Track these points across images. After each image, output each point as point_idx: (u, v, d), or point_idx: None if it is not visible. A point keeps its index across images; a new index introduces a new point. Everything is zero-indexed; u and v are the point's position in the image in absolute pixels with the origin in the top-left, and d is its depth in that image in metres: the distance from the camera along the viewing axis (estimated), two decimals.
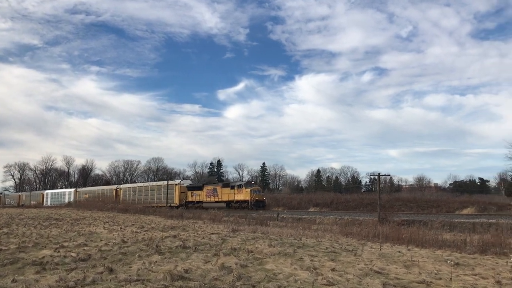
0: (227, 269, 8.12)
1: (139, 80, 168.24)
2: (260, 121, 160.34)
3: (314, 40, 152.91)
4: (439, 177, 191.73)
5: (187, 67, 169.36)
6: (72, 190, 75.20)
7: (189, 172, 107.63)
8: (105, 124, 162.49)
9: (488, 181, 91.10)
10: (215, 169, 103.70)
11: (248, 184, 46.06)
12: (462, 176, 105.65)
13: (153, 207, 49.17)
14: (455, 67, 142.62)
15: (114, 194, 64.00)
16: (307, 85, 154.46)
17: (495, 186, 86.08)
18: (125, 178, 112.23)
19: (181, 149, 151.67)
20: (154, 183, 60.47)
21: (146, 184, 62.09)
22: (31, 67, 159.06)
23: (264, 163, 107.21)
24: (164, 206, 50.90)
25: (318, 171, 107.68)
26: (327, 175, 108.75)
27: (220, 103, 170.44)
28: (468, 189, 75.86)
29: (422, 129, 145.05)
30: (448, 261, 9.16)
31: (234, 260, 9.28)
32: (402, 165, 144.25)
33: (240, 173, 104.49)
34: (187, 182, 57.53)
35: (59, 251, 10.88)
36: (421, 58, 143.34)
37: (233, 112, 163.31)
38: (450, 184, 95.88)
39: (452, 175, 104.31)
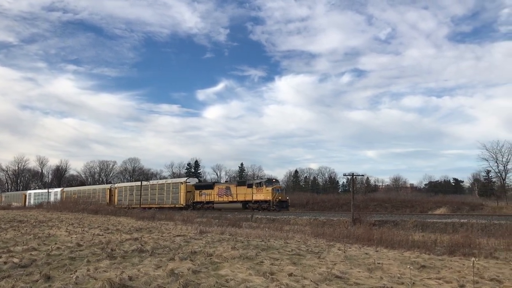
0: (176, 276, 7.54)
1: (117, 80, 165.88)
2: (240, 121, 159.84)
3: (294, 41, 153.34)
4: (415, 178, 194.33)
5: (166, 67, 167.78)
6: (59, 190, 71.34)
7: (166, 173, 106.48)
8: (82, 124, 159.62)
9: (462, 182, 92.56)
10: (193, 170, 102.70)
11: (269, 182, 41.41)
12: (437, 176, 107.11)
13: (155, 208, 45.63)
14: (432, 69, 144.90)
15: (108, 194, 60.01)
16: (286, 86, 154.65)
17: (469, 186, 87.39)
18: (100, 179, 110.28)
19: (159, 150, 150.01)
20: (155, 182, 55.66)
21: (145, 183, 57.29)
22: (5, 65, 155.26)
23: (242, 164, 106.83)
24: (168, 207, 46.92)
25: (296, 171, 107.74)
26: (305, 176, 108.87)
27: (199, 104, 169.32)
28: (443, 190, 76.72)
29: (399, 130, 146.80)
30: (409, 266, 8.74)
31: (188, 265, 8.71)
32: (379, 166, 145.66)
33: (218, 174, 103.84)
34: (194, 180, 52.45)
35: (1, 256, 10.12)
36: (399, 60, 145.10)
37: (213, 112, 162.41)
38: (425, 184, 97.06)
39: (428, 175, 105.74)
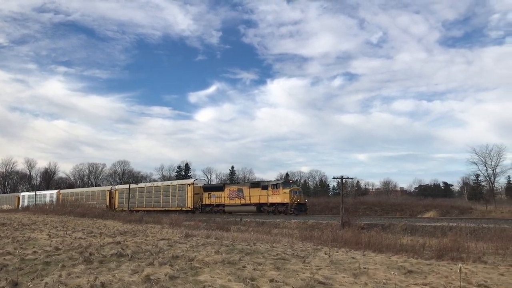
0: (151, 282, 7.20)
1: (109, 82, 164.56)
2: (232, 124, 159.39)
3: (286, 45, 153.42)
4: (405, 181, 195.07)
5: (158, 69, 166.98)
6: (55, 192, 68.80)
7: (156, 176, 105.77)
8: (72, 126, 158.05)
9: (452, 185, 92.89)
10: (183, 173, 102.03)
11: (286, 183, 38.48)
12: (427, 180, 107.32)
13: (160, 211, 43.72)
14: (423, 73, 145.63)
15: (108, 196, 57.02)
16: (278, 89, 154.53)
17: (458, 190, 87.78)
18: (89, 181, 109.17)
19: (150, 152, 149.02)
20: (160, 183, 52.91)
21: (149, 184, 54.56)
22: None
23: (232, 167, 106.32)
24: (174, 211, 44.18)
25: (287, 174, 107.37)
26: (295, 179, 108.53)
27: (191, 106, 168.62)
28: (433, 193, 76.90)
29: (390, 134, 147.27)
30: (393, 272, 8.47)
31: (166, 270, 8.37)
32: (370, 169, 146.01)
33: (209, 177, 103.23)
34: (202, 182, 49.86)
35: None
36: (390, 64, 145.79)
37: (205, 115, 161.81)
38: (415, 188, 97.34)
39: (418, 179, 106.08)
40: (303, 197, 39.30)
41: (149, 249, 12.51)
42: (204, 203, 43.53)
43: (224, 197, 41.56)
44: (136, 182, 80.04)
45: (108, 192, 57.56)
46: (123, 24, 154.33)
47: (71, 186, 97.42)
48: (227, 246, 14.10)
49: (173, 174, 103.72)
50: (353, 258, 12.00)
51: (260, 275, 8.28)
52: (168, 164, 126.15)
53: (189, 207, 44.32)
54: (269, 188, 37.74)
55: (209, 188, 44.86)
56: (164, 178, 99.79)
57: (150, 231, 21.32)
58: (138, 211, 44.65)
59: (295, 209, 35.44)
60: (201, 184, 46.44)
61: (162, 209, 46.56)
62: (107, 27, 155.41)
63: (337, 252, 13.81)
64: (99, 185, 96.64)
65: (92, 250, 11.89)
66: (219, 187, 43.40)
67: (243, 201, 39.69)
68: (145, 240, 16.04)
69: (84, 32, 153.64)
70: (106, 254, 11.13)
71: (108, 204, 56.05)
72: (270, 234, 21.94)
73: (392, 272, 8.35)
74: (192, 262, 9.87)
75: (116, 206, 54.39)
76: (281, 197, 36.69)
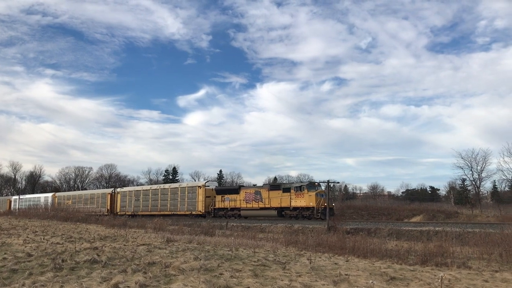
0: None
1: (97, 85, 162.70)
2: (221, 128, 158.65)
3: (275, 49, 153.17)
4: (393, 186, 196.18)
5: (147, 73, 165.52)
6: (50, 195, 65.00)
7: (143, 180, 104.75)
8: (60, 130, 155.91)
9: (438, 190, 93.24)
10: (170, 177, 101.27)
11: (311, 185, 35.16)
12: (414, 184, 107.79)
13: (167, 216, 40.85)
14: (411, 78, 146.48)
15: (109, 199, 53.35)
16: (268, 93, 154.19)
17: (445, 194, 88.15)
18: (76, 185, 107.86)
19: (138, 156, 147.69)
20: (167, 186, 49.41)
21: (155, 187, 50.95)
22: None
23: (220, 171, 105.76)
24: (183, 215, 41.90)
25: (275, 178, 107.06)
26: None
27: (180, 110, 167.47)
28: (420, 197, 77.16)
29: (378, 138, 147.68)
30: (372, 281, 8.19)
31: (138, 278, 7.99)
32: (358, 174, 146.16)
33: (196, 181, 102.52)
34: (214, 184, 46.44)
35: None
36: (379, 69, 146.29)
37: (193, 119, 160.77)
38: (402, 192, 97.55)
39: (405, 183, 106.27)
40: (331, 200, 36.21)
41: (126, 255, 12.09)
42: (217, 206, 40.89)
43: (240, 200, 38.97)
44: (123, 186, 79.07)
45: (109, 195, 54.04)
46: (112, 27, 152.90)
47: (57, 189, 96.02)
48: (207, 251, 13.73)
49: (161, 178, 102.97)
50: (335, 264, 11.71)
51: (236, 283, 7.94)
52: (155, 168, 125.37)
53: (200, 211, 41.60)
54: (292, 191, 34.98)
55: (223, 190, 42.22)
56: (151, 182, 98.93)
57: (131, 236, 20.84)
58: (143, 216, 43.19)
59: (322, 214, 32.62)
60: (213, 186, 43.51)
61: (170, 213, 43.70)
62: (96, 30, 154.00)
63: (320, 257, 13.52)
64: (85, 189, 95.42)
65: (66, 256, 11.44)
66: (234, 190, 40.91)
67: (261, 205, 37.17)
68: (124, 245, 15.59)
69: (73, 34, 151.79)
70: (79, 261, 10.70)
71: (108, 208, 52.98)
72: (255, 239, 21.59)
73: (371, 281, 8.06)
74: (167, 269, 9.49)
75: (118, 210, 51.60)
76: (305, 200, 34.05)
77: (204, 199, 41.47)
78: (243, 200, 38.66)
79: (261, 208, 37.03)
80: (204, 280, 8.07)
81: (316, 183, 36.05)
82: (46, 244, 15.56)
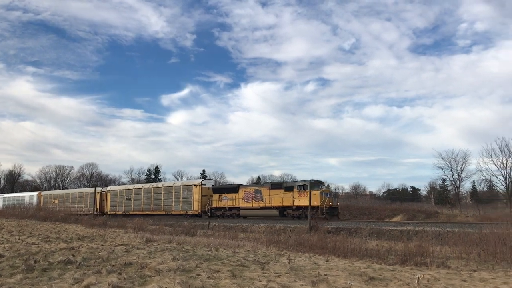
0: None
1: (79, 83, 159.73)
2: (205, 128, 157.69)
3: (260, 49, 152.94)
4: (375, 186, 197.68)
5: (130, 71, 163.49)
6: (35, 194, 63.24)
7: (125, 179, 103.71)
8: (40, 128, 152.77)
9: (419, 190, 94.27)
10: (153, 176, 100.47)
11: (315, 184, 33.69)
12: (396, 184, 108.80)
13: (161, 216, 40.02)
14: (394, 79, 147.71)
15: (98, 198, 51.22)
16: (252, 93, 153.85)
17: (425, 194, 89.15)
18: (56, 184, 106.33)
19: (120, 155, 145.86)
20: (160, 184, 47.90)
21: (147, 185, 49.31)
22: None
23: (204, 170, 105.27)
24: (179, 215, 40.75)
25: (258, 178, 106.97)
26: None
27: (163, 109, 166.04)
28: (401, 197, 77.87)
29: (361, 139, 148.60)
30: (349, 282, 8.11)
31: (111, 280, 7.76)
32: (341, 174, 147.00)
33: (179, 180, 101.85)
34: (210, 182, 44.84)
35: None
36: (362, 70, 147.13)
37: (177, 118, 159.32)
38: (384, 192, 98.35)
39: (386, 183, 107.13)
40: (334, 200, 35.70)
41: (102, 256, 11.82)
42: (214, 206, 39.68)
43: (239, 199, 37.91)
44: (105, 185, 78.10)
45: (99, 194, 51.97)
46: (95, 24, 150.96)
47: (37, 188, 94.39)
48: (187, 252, 13.53)
49: (143, 177, 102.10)
50: (315, 264, 11.63)
51: (213, 284, 7.77)
52: (137, 167, 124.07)
53: (196, 211, 40.46)
54: (295, 190, 33.77)
55: (220, 189, 41.16)
56: (133, 181, 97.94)
57: (110, 236, 20.51)
58: (135, 215, 41.52)
59: (326, 213, 31.82)
60: (209, 185, 42.34)
61: (164, 213, 42.64)
62: (78, 28, 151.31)
63: (300, 257, 13.44)
64: (66, 188, 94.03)
65: (39, 257, 11.12)
66: (233, 188, 39.70)
67: (262, 204, 36.03)
68: (102, 245, 15.28)
69: (55, 32, 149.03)
70: (53, 261, 10.40)
71: (97, 207, 51.16)
72: (236, 239, 21.45)
73: (349, 282, 7.98)
74: (143, 269, 9.27)
75: (108, 210, 50.12)
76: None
77: (200, 198, 40.41)
78: (242, 199, 37.63)
79: (262, 208, 35.99)
80: (180, 281, 7.88)
81: (319, 182, 35.09)
82: (21, 244, 15.16)
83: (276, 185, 36.62)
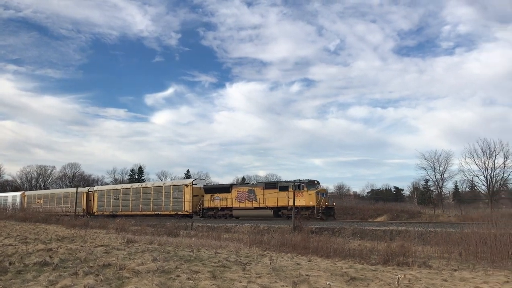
0: None
1: (62, 82, 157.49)
2: (189, 127, 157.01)
3: (245, 49, 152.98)
4: (359, 186, 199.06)
5: (114, 70, 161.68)
6: (18, 194, 61.31)
7: (108, 179, 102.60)
8: (22, 127, 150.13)
9: (403, 190, 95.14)
10: (136, 176, 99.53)
11: (311, 184, 33.36)
12: (379, 185, 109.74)
13: (150, 216, 39.66)
14: (378, 81, 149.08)
15: (85, 198, 50.41)
16: (237, 93, 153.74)
17: (408, 194, 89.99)
18: (38, 184, 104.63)
19: (104, 155, 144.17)
20: (150, 184, 46.66)
21: (136, 185, 48.31)
22: None
23: (188, 170, 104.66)
24: (169, 215, 40.01)
25: (243, 178, 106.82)
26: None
27: (147, 108, 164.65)
28: (384, 197, 78.50)
29: (345, 139, 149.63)
30: (328, 283, 8.04)
31: (87, 281, 7.56)
32: (325, 174, 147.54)
33: (163, 180, 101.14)
34: (202, 182, 43.82)
35: None
36: (347, 71, 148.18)
37: (161, 117, 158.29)
38: (367, 192, 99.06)
39: (370, 183, 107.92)
40: (330, 200, 35.30)
41: (80, 257, 11.57)
42: (205, 206, 38.95)
43: (232, 199, 37.20)
44: (87, 185, 77.08)
45: (85, 194, 51.07)
46: (79, 22, 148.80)
47: (18, 189, 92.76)
48: (168, 253, 13.34)
49: (126, 177, 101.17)
50: (297, 264, 11.55)
51: (192, 286, 7.62)
52: (121, 167, 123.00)
53: (187, 212, 39.59)
54: (290, 189, 32.67)
55: (212, 189, 40.27)
56: (116, 181, 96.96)
57: (90, 237, 20.17)
58: (123, 216, 40.55)
59: (322, 214, 31.37)
60: (201, 185, 41.45)
61: (153, 213, 42.03)
62: (61, 25, 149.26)
63: (283, 258, 13.35)
64: (48, 188, 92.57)
65: (15, 258, 10.83)
66: (225, 188, 38.87)
67: (255, 204, 35.38)
68: (81, 246, 14.99)
69: (37, 29, 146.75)
70: (29, 263, 10.12)
71: (84, 207, 50.08)
72: (219, 240, 21.28)
73: (328, 283, 7.90)
74: (122, 271, 9.07)
75: (95, 210, 49.12)
76: (305, 199, 32.31)
77: (191, 198, 39.58)
78: (235, 199, 36.98)
79: (255, 208, 35.40)
80: (158, 283, 7.71)
81: (315, 181, 34.51)
82: None
83: (270, 184, 36.00)
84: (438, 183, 58.43)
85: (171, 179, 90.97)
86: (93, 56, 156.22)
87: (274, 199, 33.92)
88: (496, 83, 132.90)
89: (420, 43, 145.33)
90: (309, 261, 12.61)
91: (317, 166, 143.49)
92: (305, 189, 32.55)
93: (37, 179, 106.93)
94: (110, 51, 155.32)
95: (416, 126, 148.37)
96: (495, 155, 50.79)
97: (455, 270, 11.01)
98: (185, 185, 40.84)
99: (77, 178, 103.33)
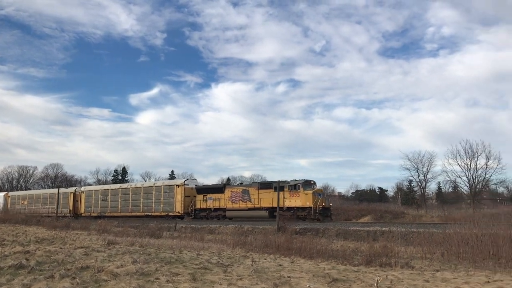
0: None
1: (45, 81, 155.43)
2: (174, 128, 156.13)
3: (231, 49, 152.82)
4: (344, 186, 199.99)
5: (98, 69, 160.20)
6: (2, 194, 59.61)
7: (91, 180, 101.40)
8: (3, 127, 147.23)
9: (387, 191, 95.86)
10: (120, 177, 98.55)
11: (307, 184, 32.70)
12: (364, 185, 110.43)
13: (140, 217, 38.80)
14: (363, 82, 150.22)
15: (71, 199, 49.25)
16: (223, 93, 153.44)
17: (392, 195, 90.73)
18: (19, 185, 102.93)
19: (88, 155, 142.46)
20: (139, 184, 45.98)
21: (125, 185, 47.49)
22: None
23: (172, 171, 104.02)
24: (159, 216, 39.27)
25: (228, 179, 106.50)
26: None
27: (132, 108, 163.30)
28: (369, 198, 78.98)
29: (330, 140, 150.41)
30: (309, 285, 7.94)
31: (63, 285, 7.36)
32: (310, 174, 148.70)
33: (147, 181, 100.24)
34: (194, 182, 42.51)
35: None
36: (332, 72, 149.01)
37: (146, 118, 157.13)
38: (352, 193, 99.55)
39: (355, 184, 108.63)
40: (327, 200, 34.35)
41: (59, 259, 11.29)
42: (198, 207, 38.23)
43: (225, 200, 36.47)
44: (70, 186, 76.05)
45: (72, 195, 49.78)
46: (62, 21, 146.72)
47: (0, 189, 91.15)
48: (149, 254, 13.12)
49: (109, 178, 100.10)
50: (280, 265, 11.45)
51: None
52: (104, 168, 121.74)
53: (179, 212, 38.97)
54: (285, 190, 32.47)
55: (205, 189, 39.42)
56: (99, 182, 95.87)
57: (71, 238, 19.80)
58: (112, 217, 40.15)
59: (319, 215, 30.81)
60: (193, 185, 40.57)
61: (143, 214, 41.15)
62: (44, 24, 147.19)
63: (265, 259, 13.24)
64: (29, 189, 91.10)
65: None
66: (218, 189, 38.28)
67: (250, 205, 34.71)
68: (60, 248, 14.67)
69: (19, 28, 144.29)
70: (4, 266, 9.83)
71: (71, 208, 49.00)
72: (202, 241, 21.08)
73: (308, 285, 7.80)
74: (100, 273, 8.85)
75: (82, 211, 48.13)
76: (301, 200, 31.83)
77: (183, 198, 38.97)
78: (229, 200, 36.27)
79: (250, 209, 34.71)
80: (136, 286, 7.53)
81: (312, 181, 33.82)
82: None
83: (265, 185, 35.09)
84: (421, 184, 59.09)
85: (155, 180, 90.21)
86: (76, 55, 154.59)
87: (269, 199, 33.19)
88: (479, 84, 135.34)
89: (404, 44, 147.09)
90: (292, 262, 12.51)
91: (302, 167, 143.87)
92: (302, 189, 32.01)
93: (18, 180, 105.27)
94: (94, 50, 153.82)
95: (400, 127, 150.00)
96: (477, 156, 51.61)
97: (437, 271, 11.02)
98: (176, 185, 40.23)
99: (60, 179, 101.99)
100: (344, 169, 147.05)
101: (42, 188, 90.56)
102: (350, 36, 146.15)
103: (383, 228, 24.27)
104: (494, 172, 51.34)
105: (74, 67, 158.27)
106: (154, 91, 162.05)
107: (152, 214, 40.87)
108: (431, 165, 56.90)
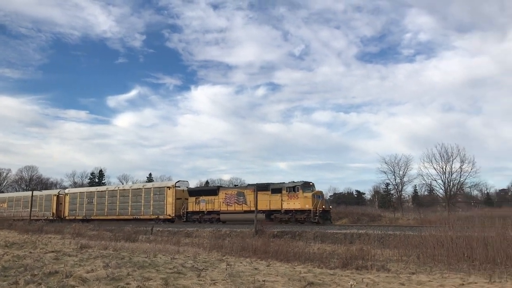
0: None
1: (20, 82, 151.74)
2: (153, 130, 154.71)
3: (211, 52, 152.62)
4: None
5: (75, 71, 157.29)
6: None
7: (66, 183, 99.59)
8: None
9: (364, 194, 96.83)
10: (96, 180, 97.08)
11: (306, 186, 31.77)
12: (342, 188, 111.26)
13: (128, 221, 37.58)
14: (341, 86, 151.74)
15: (55, 202, 47.83)
16: (203, 96, 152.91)
17: (370, 198, 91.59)
18: None
19: (64, 158, 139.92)
20: (127, 186, 44.87)
21: (112, 187, 46.13)
22: None
23: (150, 174, 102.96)
24: (149, 220, 38.00)
25: (207, 182, 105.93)
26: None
27: (109, 110, 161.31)
28: (346, 201, 79.52)
29: (309, 143, 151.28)
30: None
31: None
32: (289, 177, 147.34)
33: (124, 184, 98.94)
34: (185, 184, 41.08)
35: None
36: (311, 76, 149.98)
37: (124, 120, 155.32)
38: (330, 196, 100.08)
39: (333, 187, 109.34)
40: (327, 203, 33.74)
41: (27, 264, 10.88)
42: (190, 210, 37.03)
43: (219, 202, 35.28)
44: (45, 189, 74.52)
45: (55, 197, 48.42)
46: (39, 21, 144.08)
47: None
48: (122, 258, 12.78)
49: (86, 181, 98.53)
50: (255, 269, 11.27)
51: None
52: (81, 171, 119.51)
53: (169, 215, 37.89)
54: (283, 192, 31.81)
55: (197, 191, 38.29)
56: (75, 185, 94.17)
57: (42, 242, 19.24)
58: (98, 221, 39.01)
59: (319, 218, 29.98)
60: (184, 187, 39.44)
61: (132, 217, 39.93)
62: (20, 24, 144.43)
63: (241, 262, 13.04)
64: (2, 192, 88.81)
65: None
66: (212, 191, 37.08)
67: (245, 208, 33.48)
68: (30, 253, 14.20)
69: None
70: None
71: (54, 211, 47.61)
72: (178, 244, 20.76)
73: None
74: (68, 279, 8.52)
75: (66, 215, 46.61)
76: (300, 202, 30.90)
77: (174, 201, 37.95)
78: (223, 203, 35.09)
79: (246, 211, 33.27)
80: None
81: (310, 183, 32.79)
82: None
83: (263, 187, 33.25)
84: (398, 187, 59.74)
85: (133, 183, 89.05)
86: (53, 56, 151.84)
87: (266, 202, 32.14)
88: (454, 90, 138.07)
89: (382, 49, 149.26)
90: (268, 265, 12.36)
91: (281, 170, 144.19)
92: (300, 191, 31.18)
93: None
94: (71, 51, 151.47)
95: (377, 131, 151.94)
96: (452, 160, 52.51)
97: (413, 273, 11.02)
98: (167, 187, 39.17)
99: (34, 182, 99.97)
100: (323, 172, 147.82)
101: (16, 191, 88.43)
102: (329, 41, 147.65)
103: (360, 231, 24.34)
104: (469, 176, 52.44)
105: (51, 68, 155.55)
106: (133, 93, 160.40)
107: (141, 217, 39.74)
108: (407, 169, 57.66)
